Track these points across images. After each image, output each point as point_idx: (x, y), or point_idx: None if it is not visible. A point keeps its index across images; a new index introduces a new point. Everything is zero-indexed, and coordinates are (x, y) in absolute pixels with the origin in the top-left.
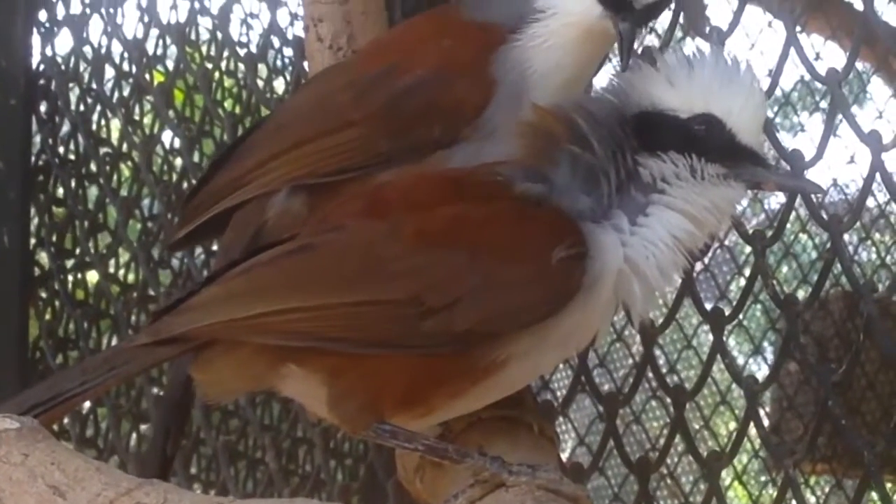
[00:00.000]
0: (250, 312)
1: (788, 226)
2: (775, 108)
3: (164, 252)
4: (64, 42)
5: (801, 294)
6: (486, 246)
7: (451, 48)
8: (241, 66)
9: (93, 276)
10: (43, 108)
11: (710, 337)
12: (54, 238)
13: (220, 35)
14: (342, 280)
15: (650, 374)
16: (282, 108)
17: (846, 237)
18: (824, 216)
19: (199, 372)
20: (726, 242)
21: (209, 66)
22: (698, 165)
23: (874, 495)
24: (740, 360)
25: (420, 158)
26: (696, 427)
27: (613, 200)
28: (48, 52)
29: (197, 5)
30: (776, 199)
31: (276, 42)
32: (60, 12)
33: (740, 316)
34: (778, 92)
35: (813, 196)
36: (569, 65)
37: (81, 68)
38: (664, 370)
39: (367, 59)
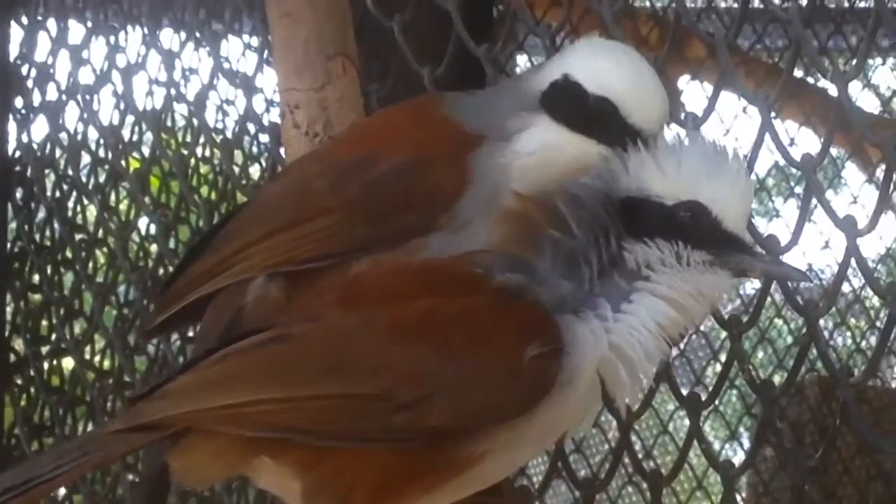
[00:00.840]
0: (222, 402)
1: (764, 311)
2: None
3: (140, 339)
4: (40, 129)
5: (776, 379)
6: (457, 342)
7: (427, 137)
8: (217, 153)
9: (68, 363)
10: (19, 194)
11: (687, 422)
12: (30, 324)
13: (195, 121)
14: (313, 372)
15: (627, 460)
16: (258, 196)
17: (821, 322)
18: (800, 301)
19: (176, 459)
20: (702, 328)
21: (185, 152)
22: (684, 252)
23: None
24: (716, 445)
25: (396, 246)
26: None
27: (595, 286)
28: (24, 138)
29: (173, 92)
30: (751, 285)
31: (251, 128)
32: (37, 99)
33: (716, 401)
34: (753, 177)
35: (789, 282)
36: (551, 174)
37: (57, 155)
38: (640, 455)
39: (343, 146)
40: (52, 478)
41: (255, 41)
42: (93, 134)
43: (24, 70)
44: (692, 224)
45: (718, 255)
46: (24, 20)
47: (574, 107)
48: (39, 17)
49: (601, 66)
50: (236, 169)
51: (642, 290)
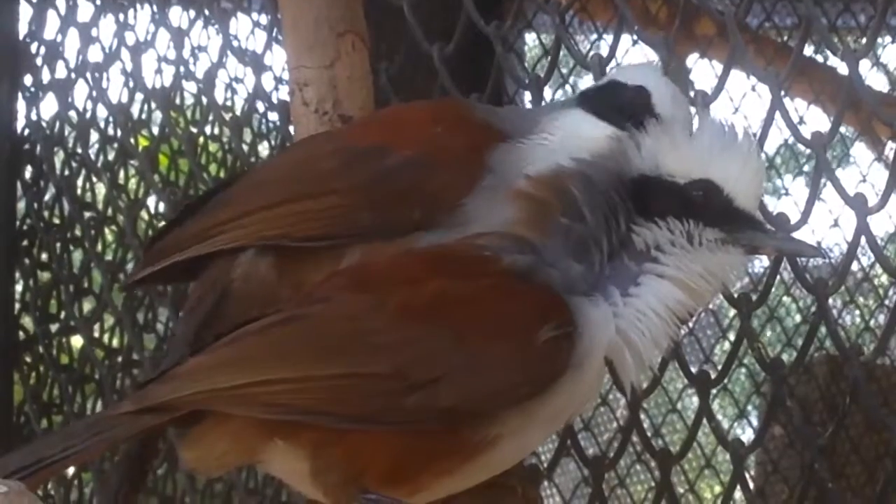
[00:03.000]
0: (234, 383)
1: (773, 289)
2: None
3: (149, 317)
4: (49, 107)
5: (785, 357)
6: (470, 324)
7: (443, 135)
8: (226, 131)
9: (77, 341)
10: (28, 172)
11: (696, 400)
12: (39, 303)
13: (204, 99)
14: (325, 352)
15: (635, 438)
16: (264, 165)
17: (831, 301)
18: (809, 280)
19: (189, 448)
20: (711, 306)
21: (194, 130)
22: (695, 231)
23: None
24: (725, 424)
25: (394, 238)
26: (682, 491)
27: (605, 269)
28: (33, 116)
29: (182, 70)
30: (760, 263)
31: (260, 106)
32: (46, 77)
33: (725, 379)
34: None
35: (798, 259)
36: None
37: (66, 133)
38: (649, 434)
39: (360, 131)
40: (62, 458)
41: (264, 19)
42: (102, 112)
43: (34, 48)
44: (704, 202)
45: (730, 233)
46: None
47: (609, 98)
48: None
49: (641, 71)
50: (245, 147)
51: (650, 273)
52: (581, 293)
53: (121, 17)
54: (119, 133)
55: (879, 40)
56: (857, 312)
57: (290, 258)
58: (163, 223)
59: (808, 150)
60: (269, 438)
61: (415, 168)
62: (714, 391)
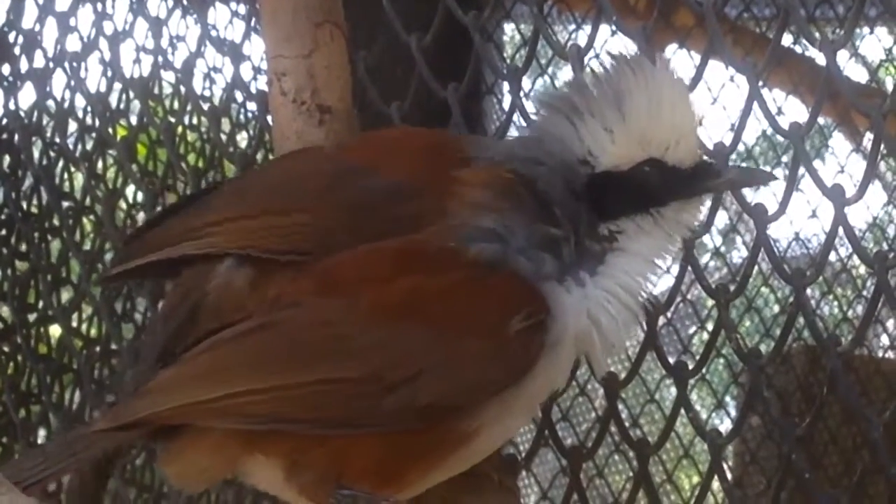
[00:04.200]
0: (210, 395)
1: (751, 280)
2: (738, 163)
3: (128, 306)
4: (27, 96)
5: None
6: (442, 320)
7: (428, 162)
8: (205, 121)
9: (55, 330)
10: (6, 161)
11: (674, 391)
12: (17, 292)
13: (183, 89)
14: (300, 359)
15: (613, 428)
16: (252, 173)
17: (809, 291)
18: (787, 270)
19: (169, 464)
20: (689, 296)
21: (172, 120)
22: (654, 211)
23: None
24: (703, 414)
25: None
26: (660, 481)
27: (572, 255)
28: (11, 106)
29: (160, 59)
30: (738, 254)
31: (239, 96)
32: (24, 66)
33: (703, 370)
34: (741, 147)
35: (775, 249)
36: None
37: (45, 122)
38: (627, 424)
39: (352, 152)
40: (40, 479)
41: (242, 8)
42: (80, 101)
43: (11, 37)
44: (655, 179)
45: (687, 195)
46: None
47: None
48: None
49: None
50: (224, 137)
51: (616, 253)
52: (551, 279)
53: (99, 6)
54: (97, 123)
55: (857, 31)
56: (836, 303)
57: (265, 272)
58: (141, 213)
59: (787, 141)
60: (249, 451)
61: (394, 193)
62: (692, 381)
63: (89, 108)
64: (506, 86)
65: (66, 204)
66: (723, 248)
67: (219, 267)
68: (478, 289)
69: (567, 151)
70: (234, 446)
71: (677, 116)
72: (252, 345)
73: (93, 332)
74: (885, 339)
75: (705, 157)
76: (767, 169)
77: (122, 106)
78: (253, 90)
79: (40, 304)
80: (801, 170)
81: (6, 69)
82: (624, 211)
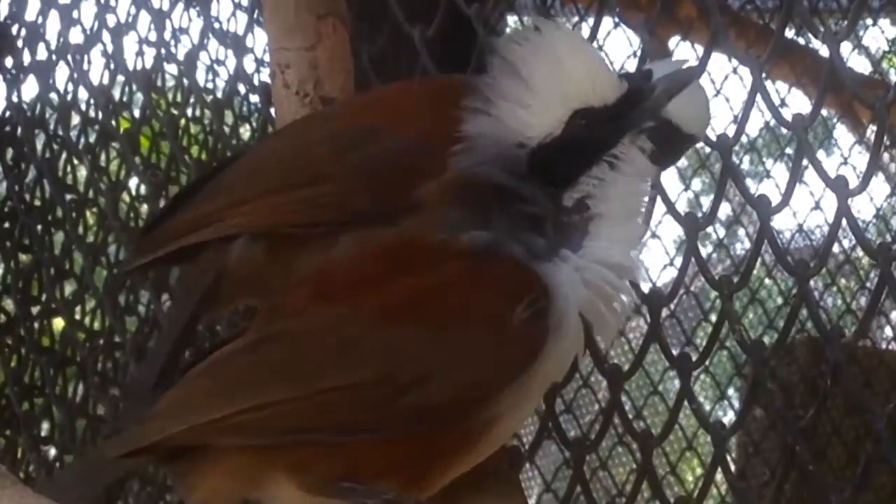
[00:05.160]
0: (221, 413)
1: (754, 272)
2: (741, 155)
3: (131, 299)
4: (30, 89)
5: (767, 340)
6: (447, 317)
7: (436, 115)
8: (208, 113)
9: (59, 323)
10: (9, 154)
11: (677, 383)
12: (20, 285)
13: (186, 81)
14: (308, 368)
15: (617, 421)
16: (256, 151)
17: (812, 283)
18: (790, 262)
19: (193, 493)
20: (692, 288)
21: (175, 112)
22: (608, 159)
23: None
24: (707, 406)
25: (387, 224)
26: (663, 473)
27: (554, 232)
28: (14, 98)
29: (163, 52)
30: (741, 245)
31: (242, 88)
32: (27, 59)
33: (707, 362)
34: (744, 138)
35: (779, 241)
36: None
37: (48, 115)
38: (631, 416)
39: (352, 114)
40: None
41: (245, 1)
42: (83, 94)
43: (14, 30)
44: (589, 130)
45: (628, 132)
46: None
47: None
48: None
49: None
50: (227, 129)
51: (592, 218)
52: (542, 259)
53: None
54: (100, 115)
55: (861, 22)
56: (839, 295)
57: (283, 244)
58: (144, 205)
59: (790, 133)
60: (270, 469)
61: (406, 150)
62: (695, 373)
63: (92, 101)
64: None
65: (69, 196)
66: (726, 240)
67: (235, 243)
68: (477, 280)
69: (500, 143)
70: (251, 463)
71: (579, 61)
72: (258, 358)
73: (96, 324)
74: (888, 331)
75: (629, 84)
76: (770, 161)
77: (125, 98)
78: (256, 82)
79: (43, 296)
80: (805, 161)
81: (9, 62)
82: (579, 172)
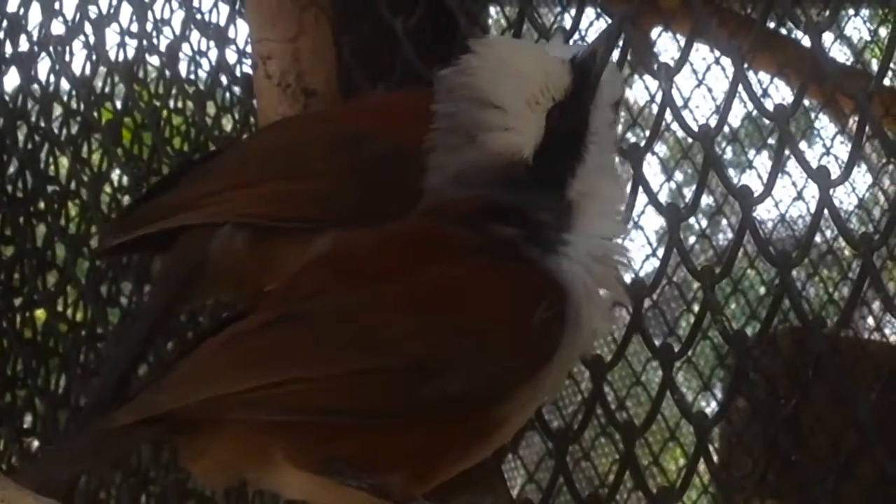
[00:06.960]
0: (242, 387)
1: (737, 262)
2: (724, 145)
3: (113, 290)
4: (12, 80)
5: (749, 330)
6: (470, 309)
7: (426, 126)
8: (190, 104)
9: (41, 315)
10: None
11: (660, 373)
12: (2, 277)
13: (168, 73)
14: (335, 350)
15: (599, 411)
16: (246, 144)
17: (794, 273)
18: (773, 252)
19: (194, 461)
20: (675, 279)
21: (157, 103)
22: (575, 153)
23: None
24: (689, 396)
25: (366, 226)
26: (646, 463)
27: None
28: None
29: (145, 43)
30: (724, 236)
31: (224, 80)
32: (8, 50)
33: (689, 352)
34: (726, 129)
35: (761, 231)
36: None
37: (29, 106)
38: (613, 406)
39: (349, 117)
40: (72, 479)
41: None
42: (65, 85)
43: None
44: (567, 112)
45: (590, 95)
46: None
47: None
48: None
49: None
50: (209, 120)
51: (579, 198)
52: (552, 253)
53: None
54: (82, 107)
55: (843, 13)
56: (821, 285)
57: (264, 236)
58: (126, 197)
59: (772, 123)
60: (276, 445)
61: (399, 157)
62: (678, 364)
63: (74, 92)
64: None
65: (51, 188)
66: (708, 231)
67: (219, 231)
68: (503, 276)
69: (496, 169)
70: (260, 440)
71: (525, 58)
72: (282, 335)
73: (78, 316)
74: (870, 321)
75: (570, 61)
76: (752, 152)
77: (107, 90)
78: (238, 74)
79: (26, 288)
80: (787, 152)
81: None
82: (574, 163)
